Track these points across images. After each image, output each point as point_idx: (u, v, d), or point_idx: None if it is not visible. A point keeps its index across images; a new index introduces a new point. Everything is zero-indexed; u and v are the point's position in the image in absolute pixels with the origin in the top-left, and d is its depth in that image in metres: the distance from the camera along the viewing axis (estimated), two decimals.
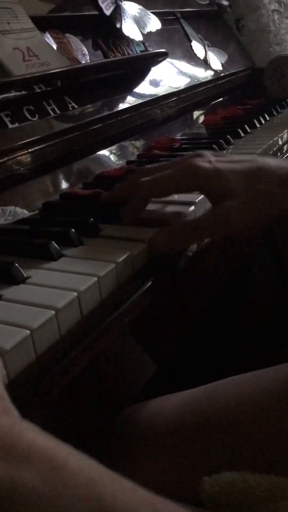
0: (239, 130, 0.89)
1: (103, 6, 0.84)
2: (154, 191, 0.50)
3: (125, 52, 0.87)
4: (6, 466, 0.20)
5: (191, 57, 1.06)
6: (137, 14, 0.91)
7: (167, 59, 0.93)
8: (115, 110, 0.76)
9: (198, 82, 1.02)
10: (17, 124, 0.60)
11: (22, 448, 0.21)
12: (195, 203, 0.55)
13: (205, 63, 1.10)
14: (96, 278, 0.41)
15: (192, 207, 0.55)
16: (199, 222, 0.49)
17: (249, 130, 0.92)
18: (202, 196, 0.56)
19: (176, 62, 1.00)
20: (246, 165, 0.49)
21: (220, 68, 1.14)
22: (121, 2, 0.88)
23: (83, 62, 0.77)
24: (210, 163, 0.49)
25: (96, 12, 0.83)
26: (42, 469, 0.20)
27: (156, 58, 0.90)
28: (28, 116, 0.62)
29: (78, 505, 0.20)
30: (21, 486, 0.20)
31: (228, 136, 0.84)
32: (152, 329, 0.44)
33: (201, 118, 1.05)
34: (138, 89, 0.84)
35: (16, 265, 0.42)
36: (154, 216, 0.53)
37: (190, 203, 0.55)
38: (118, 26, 0.86)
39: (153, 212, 0.54)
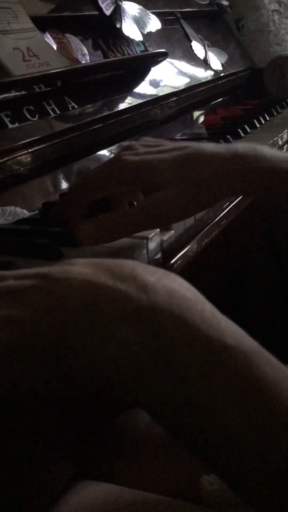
0: (239, 130, 0.89)
1: (103, 6, 0.84)
2: (84, 193, 0.47)
3: (125, 52, 0.87)
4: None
5: (191, 57, 1.06)
6: (137, 14, 0.91)
7: (167, 59, 0.92)
8: (115, 110, 0.76)
9: (198, 82, 1.02)
10: (17, 124, 0.60)
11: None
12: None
13: (205, 63, 1.10)
14: None
15: None
16: (124, 217, 0.45)
17: (249, 130, 0.91)
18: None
19: (176, 62, 1.00)
20: (177, 153, 0.46)
21: (220, 68, 1.14)
22: (121, 2, 0.88)
23: (83, 62, 0.77)
24: (138, 155, 0.46)
25: (96, 12, 0.83)
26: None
27: (156, 58, 0.90)
28: (28, 116, 0.62)
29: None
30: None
31: (228, 136, 0.84)
32: None
33: (201, 118, 1.05)
34: (138, 89, 0.84)
35: (16, 265, 0.42)
36: None
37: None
38: (118, 26, 0.86)
39: None
